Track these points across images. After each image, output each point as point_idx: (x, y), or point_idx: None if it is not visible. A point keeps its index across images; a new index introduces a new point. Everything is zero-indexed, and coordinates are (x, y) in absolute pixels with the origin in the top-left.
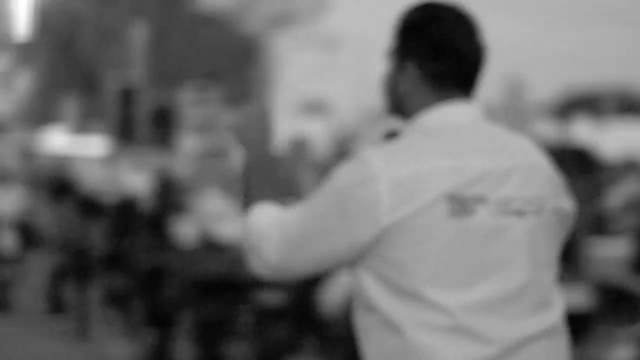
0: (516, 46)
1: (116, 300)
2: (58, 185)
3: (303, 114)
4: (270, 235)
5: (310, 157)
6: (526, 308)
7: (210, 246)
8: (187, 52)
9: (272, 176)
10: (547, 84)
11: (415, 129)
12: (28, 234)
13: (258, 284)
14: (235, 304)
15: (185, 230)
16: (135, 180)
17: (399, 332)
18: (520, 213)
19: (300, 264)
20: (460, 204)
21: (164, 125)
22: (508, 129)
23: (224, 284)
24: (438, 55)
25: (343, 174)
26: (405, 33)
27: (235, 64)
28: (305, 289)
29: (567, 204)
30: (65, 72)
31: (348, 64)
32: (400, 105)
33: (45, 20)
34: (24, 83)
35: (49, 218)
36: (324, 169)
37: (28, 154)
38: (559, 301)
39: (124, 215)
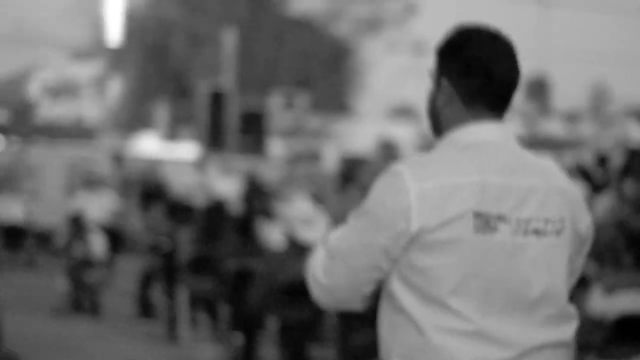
0: (603, 50)
1: (203, 304)
2: (148, 189)
3: (391, 118)
4: (318, 256)
5: (398, 160)
6: (542, 319)
7: (297, 250)
8: (276, 56)
9: None
10: (635, 87)
11: (445, 144)
12: (117, 238)
13: None
14: (321, 308)
15: (272, 234)
16: (224, 184)
17: (422, 333)
18: (539, 232)
19: (343, 279)
20: (485, 221)
21: (253, 131)
22: (595, 132)
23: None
24: (469, 73)
25: (379, 189)
26: (442, 52)
27: (325, 69)
28: None
29: (585, 226)
30: (156, 78)
31: None
32: (437, 122)
33: (136, 27)
34: (115, 89)
35: (139, 222)
36: None
37: (119, 159)
38: (575, 316)
39: (213, 219)
